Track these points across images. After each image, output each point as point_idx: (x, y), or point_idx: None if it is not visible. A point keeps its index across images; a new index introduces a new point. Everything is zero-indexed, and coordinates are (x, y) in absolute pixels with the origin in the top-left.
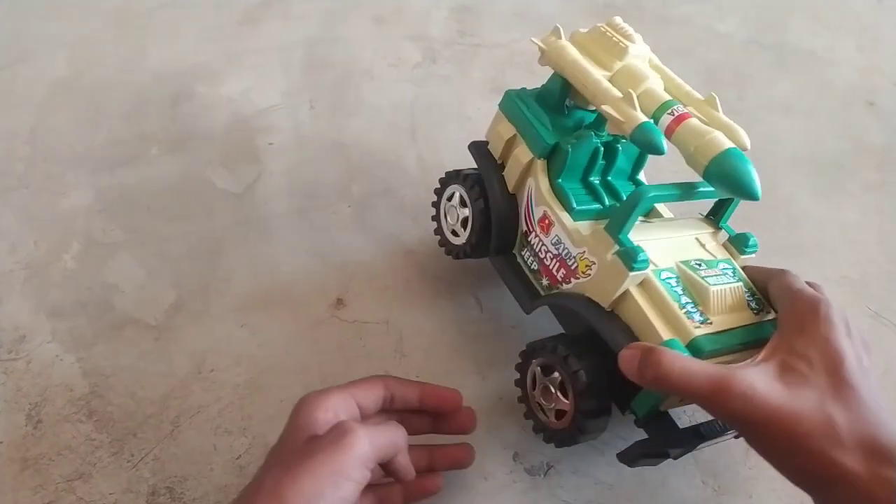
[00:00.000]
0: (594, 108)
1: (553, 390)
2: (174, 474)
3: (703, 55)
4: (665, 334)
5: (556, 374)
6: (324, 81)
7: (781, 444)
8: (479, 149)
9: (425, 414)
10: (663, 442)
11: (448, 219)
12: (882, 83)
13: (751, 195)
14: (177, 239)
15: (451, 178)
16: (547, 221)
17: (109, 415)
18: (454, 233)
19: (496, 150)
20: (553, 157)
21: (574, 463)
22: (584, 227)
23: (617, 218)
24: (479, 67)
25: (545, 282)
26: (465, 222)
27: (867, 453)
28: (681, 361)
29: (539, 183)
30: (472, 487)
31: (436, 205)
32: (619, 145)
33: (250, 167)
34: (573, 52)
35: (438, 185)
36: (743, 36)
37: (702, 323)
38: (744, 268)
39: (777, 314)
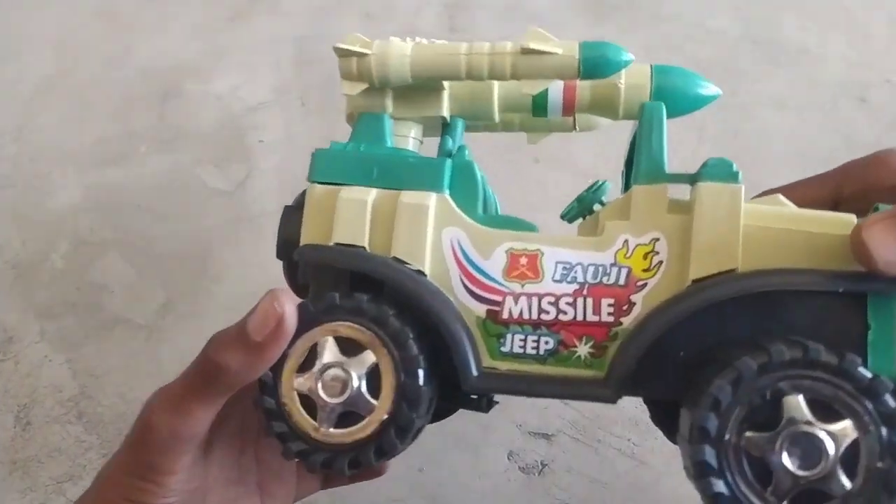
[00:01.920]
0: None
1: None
2: None
3: (694, 51)
4: (845, 229)
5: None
6: (314, 78)
7: None
8: (320, 254)
9: None
10: None
11: (324, 395)
12: (873, 79)
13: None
14: (166, 238)
15: (315, 313)
16: (524, 260)
17: (99, 416)
18: (341, 420)
19: (353, 233)
20: (456, 184)
21: (568, 461)
22: (586, 222)
23: (643, 152)
24: None
25: (585, 348)
26: (373, 383)
27: None
28: None
29: (467, 224)
30: (467, 486)
31: (267, 390)
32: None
33: (240, 165)
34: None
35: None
36: (734, 32)
37: None
38: (782, 189)
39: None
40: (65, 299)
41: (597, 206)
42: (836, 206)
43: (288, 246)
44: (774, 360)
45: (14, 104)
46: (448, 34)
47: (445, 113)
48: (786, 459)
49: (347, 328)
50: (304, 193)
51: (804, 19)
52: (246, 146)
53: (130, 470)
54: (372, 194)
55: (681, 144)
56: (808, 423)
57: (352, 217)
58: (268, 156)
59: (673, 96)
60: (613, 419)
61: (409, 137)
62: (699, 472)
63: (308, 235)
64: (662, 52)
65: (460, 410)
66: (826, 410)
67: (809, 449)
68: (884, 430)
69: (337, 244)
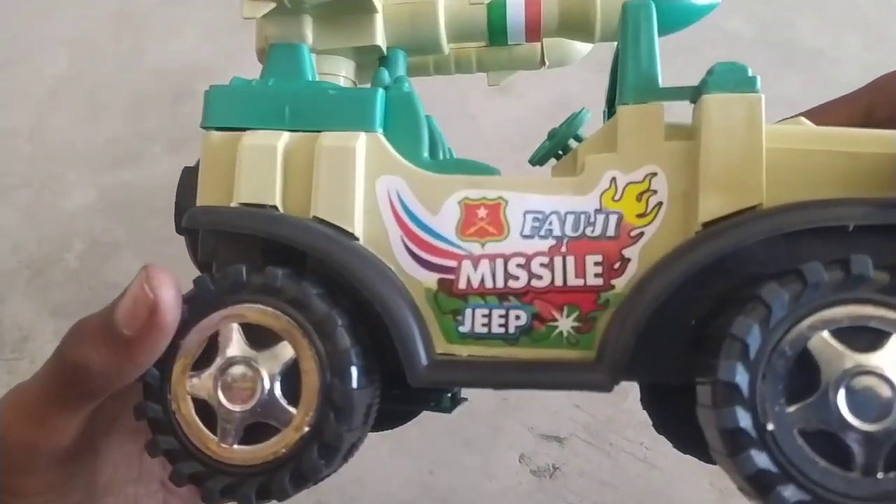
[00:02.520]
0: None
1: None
2: None
3: (708, 53)
4: (863, 142)
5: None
6: None
7: None
8: (218, 217)
9: None
10: None
11: (226, 400)
12: None
13: None
14: (178, 239)
15: (216, 293)
16: (482, 212)
17: None
18: (248, 434)
19: (261, 190)
20: (393, 121)
21: (580, 465)
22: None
23: (629, 63)
24: None
25: (567, 322)
26: (291, 384)
27: None
28: None
29: (407, 169)
30: (477, 489)
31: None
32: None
33: None
34: None
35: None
36: (749, 33)
37: None
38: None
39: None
40: (79, 299)
41: (573, 143)
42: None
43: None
44: (811, 284)
45: (28, 105)
46: None
47: (380, 41)
48: (849, 416)
49: (257, 313)
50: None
51: (819, 21)
52: None
53: None
54: (283, 139)
55: None
56: (859, 365)
57: (258, 169)
58: None
59: (662, 7)
60: (626, 422)
61: (338, 76)
62: (733, 446)
63: (205, 196)
64: (676, 53)
65: (463, 411)
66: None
67: (876, 395)
68: None
69: (241, 204)
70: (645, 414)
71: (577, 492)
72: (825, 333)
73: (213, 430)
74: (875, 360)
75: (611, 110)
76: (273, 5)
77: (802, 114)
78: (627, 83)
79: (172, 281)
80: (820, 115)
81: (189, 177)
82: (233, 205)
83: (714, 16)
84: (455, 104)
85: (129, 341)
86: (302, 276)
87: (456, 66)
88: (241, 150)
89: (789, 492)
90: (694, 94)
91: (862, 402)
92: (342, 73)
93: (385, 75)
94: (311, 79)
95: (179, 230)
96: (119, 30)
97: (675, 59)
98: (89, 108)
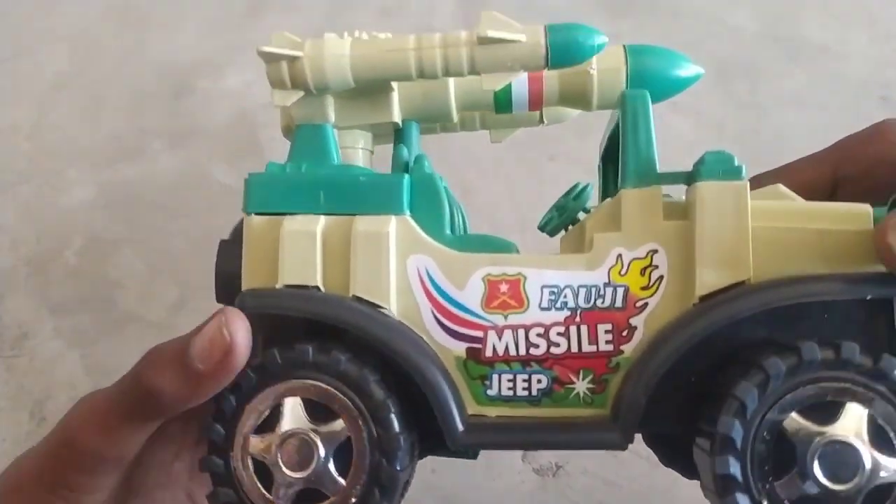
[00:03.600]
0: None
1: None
2: None
3: (713, 48)
4: (859, 223)
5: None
6: None
7: None
8: (266, 301)
9: None
10: None
11: (284, 465)
12: (895, 77)
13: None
14: (179, 235)
15: (283, 366)
16: (504, 287)
17: None
18: (300, 497)
19: (303, 272)
20: (418, 202)
21: (583, 463)
22: (570, 236)
23: (630, 151)
24: None
25: (583, 384)
26: (343, 458)
27: None
28: None
29: (434, 249)
30: (481, 488)
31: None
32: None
33: (253, 162)
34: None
35: (213, 420)
36: (754, 29)
37: None
38: (779, 171)
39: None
40: (78, 296)
41: (581, 215)
42: (835, 187)
43: (228, 286)
44: (805, 361)
45: (28, 101)
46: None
47: (397, 118)
48: (819, 473)
49: (319, 390)
50: (241, 224)
51: (825, 16)
52: (259, 143)
53: (45, 481)
54: (320, 223)
55: (699, 144)
56: (844, 433)
57: (300, 253)
58: (281, 153)
59: (652, 80)
60: None
61: (357, 149)
62: (723, 488)
63: (249, 276)
64: (681, 48)
65: None
66: (880, 435)
67: (845, 460)
68: None
69: (286, 286)
70: None
71: (580, 491)
72: (794, 414)
73: (269, 490)
74: (838, 429)
75: (605, 176)
76: (301, 93)
77: (772, 172)
78: (629, 169)
79: (247, 327)
80: (791, 172)
81: (227, 249)
82: (278, 286)
83: (718, 10)
84: None
85: (200, 375)
86: (363, 362)
87: (461, 126)
88: (284, 236)
89: None
90: (688, 179)
91: (835, 464)
92: (360, 145)
93: (404, 153)
94: (335, 156)
95: (221, 300)
96: (119, 25)
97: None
98: (89, 104)
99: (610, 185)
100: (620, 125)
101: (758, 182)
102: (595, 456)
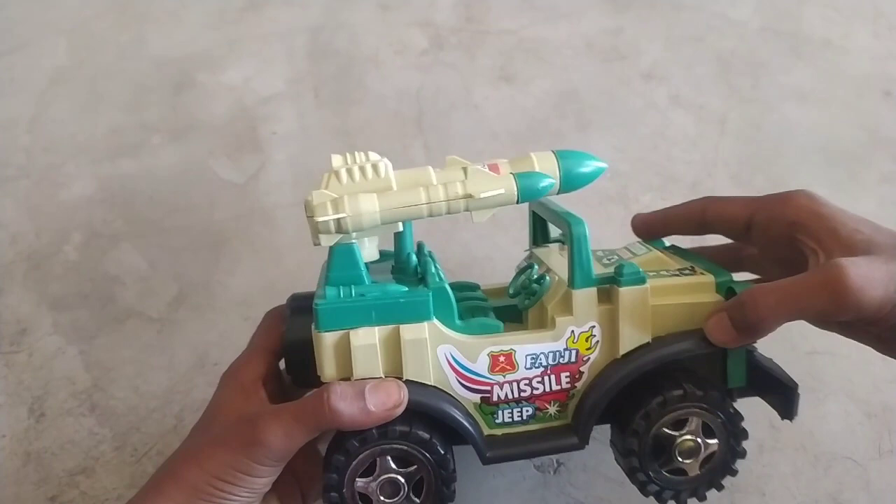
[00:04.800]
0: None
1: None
2: None
3: (715, 42)
4: (708, 294)
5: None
6: (328, 69)
7: None
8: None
9: None
10: (780, 373)
11: (381, 496)
12: None
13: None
14: (179, 230)
15: (378, 436)
16: (502, 358)
17: (112, 408)
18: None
19: (371, 369)
20: (438, 308)
21: (584, 460)
22: (534, 314)
23: (576, 266)
24: (486, 55)
25: (553, 408)
26: (418, 487)
27: None
28: (772, 287)
29: (454, 339)
30: (482, 484)
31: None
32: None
33: (253, 157)
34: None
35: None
36: (756, 23)
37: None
38: (716, 198)
39: (756, 224)
40: (78, 291)
41: (536, 287)
42: (749, 227)
43: (298, 352)
44: (668, 398)
45: (27, 95)
46: (464, 24)
47: (400, 228)
48: (679, 458)
49: (402, 451)
50: (292, 300)
51: (827, 11)
52: (259, 138)
53: (227, 461)
54: (376, 335)
55: (702, 139)
56: (697, 440)
57: (367, 357)
58: (281, 147)
59: (566, 177)
60: None
61: (363, 242)
62: (629, 471)
63: (329, 374)
64: (683, 43)
65: None
66: (707, 430)
67: (691, 448)
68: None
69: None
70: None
71: (580, 487)
72: (664, 428)
73: None
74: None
75: (534, 238)
76: (341, 235)
77: (714, 197)
78: (577, 278)
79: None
80: (722, 204)
81: (296, 321)
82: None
83: (721, 5)
84: (459, 94)
85: (372, 415)
86: (425, 425)
87: (447, 210)
88: (355, 349)
89: (662, 493)
90: (614, 282)
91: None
92: (373, 243)
93: (414, 262)
94: (361, 263)
95: (291, 365)
96: (119, 19)
97: (684, 48)
98: (88, 99)
99: (538, 235)
100: (568, 245)
101: (701, 204)
102: (595, 453)
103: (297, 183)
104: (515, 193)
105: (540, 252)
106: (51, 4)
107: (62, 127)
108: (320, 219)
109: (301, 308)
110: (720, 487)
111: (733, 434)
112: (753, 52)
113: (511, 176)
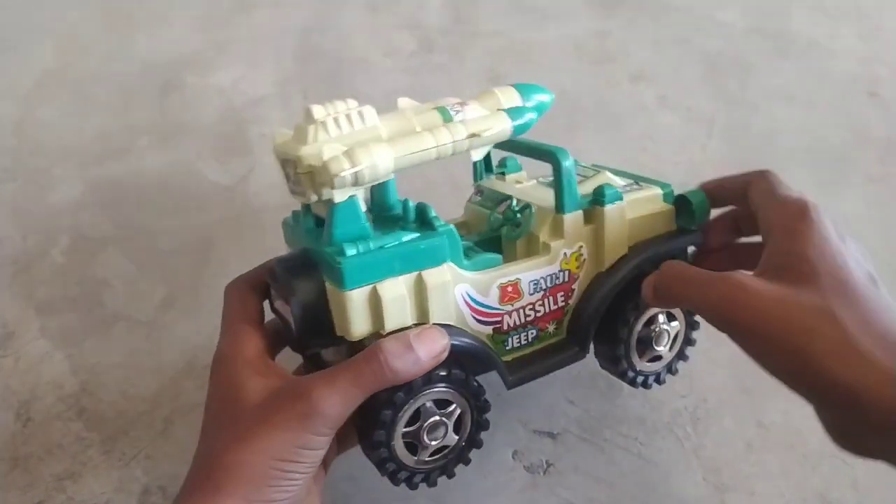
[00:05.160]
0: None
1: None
2: (167, 473)
3: (703, 43)
4: (660, 204)
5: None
6: (317, 71)
7: (791, 343)
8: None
9: None
10: None
11: (426, 439)
12: (884, 73)
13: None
14: (167, 233)
15: (420, 384)
16: (510, 288)
17: (100, 413)
18: (433, 453)
19: (402, 319)
20: (450, 247)
21: (574, 461)
22: (522, 244)
23: (565, 192)
24: (475, 56)
25: (552, 327)
26: (457, 423)
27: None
28: (684, 276)
29: (468, 277)
30: (471, 486)
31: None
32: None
33: (242, 159)
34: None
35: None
36: (744, 24)
37: None
38: (721, 179)
39: (760, 221)
40: (65, 295)
41: (519, 217)
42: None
43: (312, 311)
44: (638, 302)
45: (14, 98)
46: (453, 26)
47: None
48: (658, 347)
49: (444, 393)
50: (281, 262)
51: (814, 12)
52: (247, 140)
53: (287, 439)
54: (401, 284)
55: (690, 139)
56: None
57: (398, 309)
58: (270, 150)
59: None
60: (620, 418)
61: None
62: (622, 374)
63: (359, 330)
64: (670, 44)
65: None
66: (671, 316)
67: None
68: None
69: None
70: (638, 410)
71: (570, 488)
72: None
73: (414, 454)
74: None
75: (479, 177)
76: (357, 187)
77: (714, 181)
78: (566, 202)
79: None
80: (726, 182)
81: (305, 312)
82: (384, 332)
83: (708, 7)
84: (449, 95)
85: (421, 364)
86: (460, 366)
87: (453, 152)
88: (385, 302)
89: (647, 380)
90: (597, 202)
91: (661, 340)
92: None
93: (411, 206)
94: (362, 214)
95: (296, 347)
96: (106, 21)
97: (671, 49)
98: (76, 101)
99: (480, 170)
100: (556, 174)
101: (718, 184)
102: (584, 454)
103: (285, 185)
104: (511, 129)
105: (490, 184)
106: (37, 6)
107: (49, 130)
108: (342, 173)
109: (293, 271)
110: (686, 358)
111: (689, 312)
112: (740, 53)
113: (503, 112)
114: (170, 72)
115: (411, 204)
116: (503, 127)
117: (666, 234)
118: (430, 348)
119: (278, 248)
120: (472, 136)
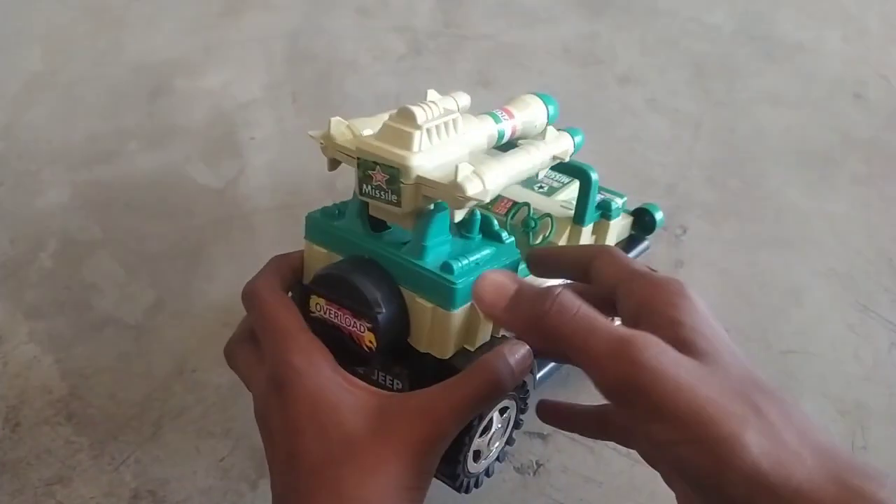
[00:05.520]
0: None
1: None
2: (156, 477)
3: (689, 46)
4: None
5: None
6: (306, 74)
7: (704, 437)
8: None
9: None
10: None
11: (490, 447)
12: (869, 75)
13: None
14: (156, 237)
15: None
16: None
17: (89, 417)
18: (476, 455)
19: (486, 333)
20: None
21: (564, 461)
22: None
23: (589, 207)
24: (465, 59)
25: None
26: (508, 419)
27: (820, 457)
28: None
29: None
30: None
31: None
32: None
33: (231, 162)
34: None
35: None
36: (730, 27)
37: None
38: (554, 248)
39: (625, 296)
40: (54, 299)
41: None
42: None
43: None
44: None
45: (2, 101)
46: (442, 29)
47: None
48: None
49: (507, 399)
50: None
51: (800, 15)
52: (237, 143)
53: (415, 463)
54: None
55: (677, 142)
56: None
57: (488, 325)
58: (259, 153)
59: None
60: None
61: None
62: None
63: (451, 350)
64: (658, 47)
65: None
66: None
67: None
68: None
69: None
70: None
71: (560, 488)
72: None
73: (476, 461)
74: None
75: None
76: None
77: (554, 251)
78: (587, 216)
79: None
80: (565, 252)
81: (392, 328)
82: (471, 349)
83: (695, 10)
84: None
85: (515, 377)
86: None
87: (536, 172)
88: (483, 320)
89: None
90: (605, 217)
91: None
92: None
93: (477, 216)
94: (447, 230)
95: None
96: (95, 25)
97: (659, 51)
98: (64, 105)
99: None
100: (581, 187)
101: (551, 254)
102: (574, 455)
103: (275, 188)
104: (573, 149)
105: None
106: (26, 10)
107: (37, 134)
108: (474, 193)
109: (370, 283)
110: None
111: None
112: (727, 56)
113: (566, 133)
114: (159, 75)
115: (478, 215)
116: (569, 147)
117: (626, 240)
118: (524, 362)
119: (268, 250)
120: (555, 159)
